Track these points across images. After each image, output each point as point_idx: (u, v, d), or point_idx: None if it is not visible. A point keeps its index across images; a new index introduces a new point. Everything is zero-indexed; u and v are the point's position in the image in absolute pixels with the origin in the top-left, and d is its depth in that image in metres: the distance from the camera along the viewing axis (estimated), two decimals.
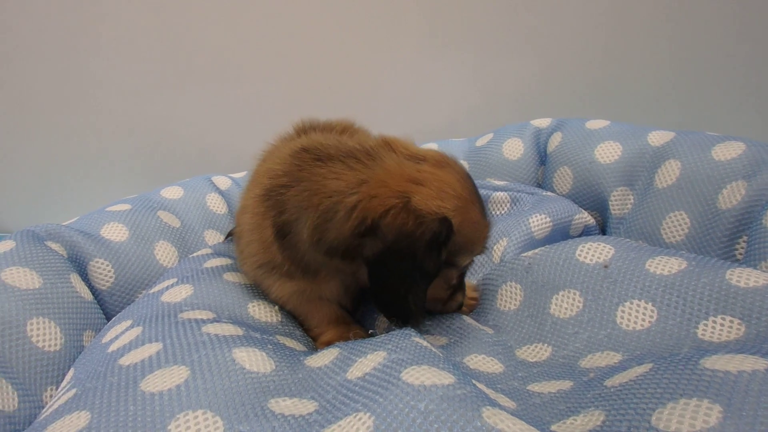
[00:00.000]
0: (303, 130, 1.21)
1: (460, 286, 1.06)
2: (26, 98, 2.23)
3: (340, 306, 1.11)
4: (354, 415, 0.65)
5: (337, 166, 0.95)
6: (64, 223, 1.32)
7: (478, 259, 1.31)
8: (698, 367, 0.63)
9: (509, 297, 1.11)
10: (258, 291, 1.14)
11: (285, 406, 0.72)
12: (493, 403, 0.63)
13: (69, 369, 1.01)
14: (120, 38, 2.16)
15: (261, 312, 1.08)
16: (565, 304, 1.01)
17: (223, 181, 1.76)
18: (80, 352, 1.05)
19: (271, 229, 0.98)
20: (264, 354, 0.84)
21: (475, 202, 0.95)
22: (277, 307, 1.11)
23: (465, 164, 1.76)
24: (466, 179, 0.97)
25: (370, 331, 1.09)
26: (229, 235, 1.52)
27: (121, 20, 2.14)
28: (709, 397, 0.57)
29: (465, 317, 1.08)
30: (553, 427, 0.67)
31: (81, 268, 1.24)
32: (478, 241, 0.97)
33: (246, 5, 2.15)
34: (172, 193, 1.59)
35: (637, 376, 0.68)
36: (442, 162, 0.97)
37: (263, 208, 1.00)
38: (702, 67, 2.35)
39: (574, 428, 0.65)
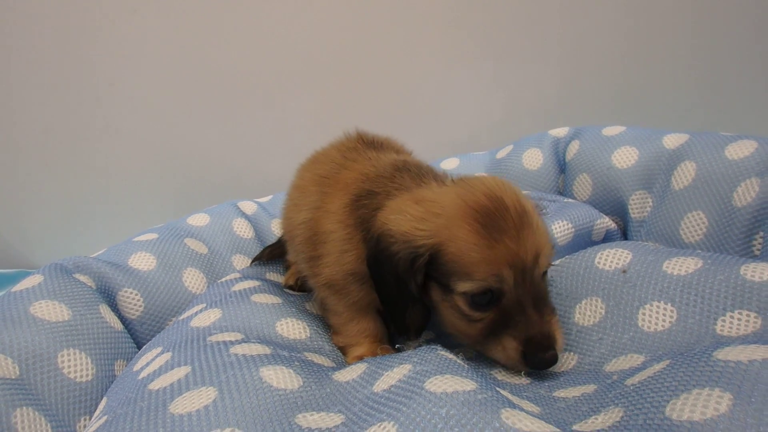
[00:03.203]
0: (370, 142, 1.24)
1: (502, 329, 0.91)
2: (50, 129, 2.24)
3: (381, 322, 1.13)
4: (378, 424, 0.67)
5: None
6: (91, 255, 1.34)
7: None
8: (711, 358, 0.64)
9: None
10: (286, 309, 1.16)
11: (312, 420, 0.74)
12: (513, 406, 0.65)
13: (101, 399, 1.02)
14: (146, 65, 2.18)
15: (289, 329, 1.10)
16: (589, 312, 1.02)
17: (248, 206, 1.78)
18: (112, 382, 1.07)
19: (363, 244, 0.99)
20: (291, 371, 0.86)
21: (470, 221, 0.88)
22: (305, 323, 1.13)
23: None
24: (473, 197, 0.90)
25: (397, 346, 1.11)
26: (256, 259, 1.53)
27: (147, 47, 2.16)
28: (721, 386, 0.59)
29: None
30: (575, 427, 0.69)
31: (110, 298, 1.26)
32: (473, 264, 0.87)
33: (269, 29, 2.18)
34: (198, 220, 1.61)
35: (654, 373, 0.69)
36: (462, 181, 0.98)
37: (352, 220, 1.02)
38: (717, 71, 2.37)
39: (595, 426, 0.66)
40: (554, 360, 0.90)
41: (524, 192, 1.63)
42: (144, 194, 2.38)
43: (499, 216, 0.88)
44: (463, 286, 0.89)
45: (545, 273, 0.94)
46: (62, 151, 2.28)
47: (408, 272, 0.90)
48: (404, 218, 0.91)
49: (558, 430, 0.59)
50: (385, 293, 0.95)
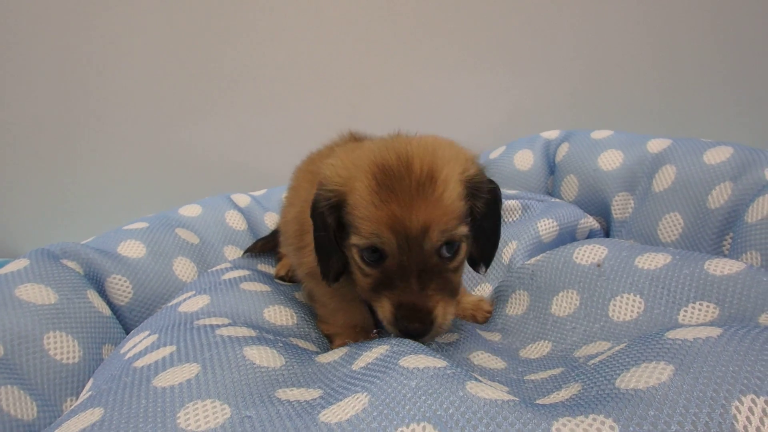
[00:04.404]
0: (362, 139, 1.24)
1: (384, 289, 0.92)
2: (40, 120, 2.22)
3: (369, 313, 1.14)
4: (353, 396, 0.71)
5: None
6: (81, 243, 1.34)
7: (493, 266, 1.34)
8: (663, 338, 0.69)
9: (517, 303, 1.17)
10: (275, 297, 1.19)
11: (292, 394, 0.77)
12: (479, 381, 0.70)
13: (88, 380, 1.04)
14: (141, 57, 2.19)
15: (277, 316, 1.12)
16: (565, 303, 1.07)
17: (242, 199, 1.80)
18: (99, 365, 1.08)
19: None
20: (275, 351, 0.89)
21: (370, 176, 0.89)
22: (292, 311, 1.16)
23: None
24: (385, 153, 0.90)
25: (375, 331, 1.14)
26: (248, 250, 1.55)
27: (144, 39, 2.16)
28: (666, 359, 0.63)
29: (476, 327, 1.13)
30: (538, 401, 0.73)
31: (98, 284, 1.26)
32: (362, 219, 0.89)
33: (267, 29, 2.20)
34: (190, 211, 1.63)
35: (613, 353, 0.74)
36: (397, 137, 1.00)
37: None
38: (717, 81, 2.41)
39: (556, 399, 0.70)
40: (422, 333, 0.89)
41: (514, 192, 1.69)
42: (137, 189, 2.36)
43: (397, 178, 0.87)
44: (354, 239, 0.91)
45: (449, 248, 0.92)
46: (54, 143, 2.27)
47: (323, 215, 0.93)
48: (332, 165, 0.94)
49: (516, 398, 0.63)
50: (316, 239, 0.97)
